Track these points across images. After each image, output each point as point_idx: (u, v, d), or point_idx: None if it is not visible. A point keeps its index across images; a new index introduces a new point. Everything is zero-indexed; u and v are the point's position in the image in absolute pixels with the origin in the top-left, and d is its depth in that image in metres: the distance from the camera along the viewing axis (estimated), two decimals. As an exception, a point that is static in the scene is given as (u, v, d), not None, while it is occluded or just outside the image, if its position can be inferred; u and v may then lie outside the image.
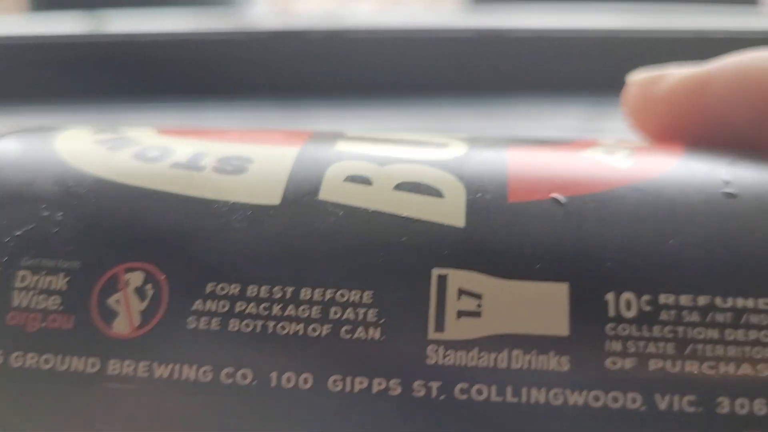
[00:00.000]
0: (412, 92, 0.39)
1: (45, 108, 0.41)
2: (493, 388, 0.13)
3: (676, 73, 0.17)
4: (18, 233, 0.14)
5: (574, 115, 0.37)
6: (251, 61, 0.41)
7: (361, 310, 0.13)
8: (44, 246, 0.14)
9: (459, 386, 0.13)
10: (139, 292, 0.14)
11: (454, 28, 0.40)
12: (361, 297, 0.13)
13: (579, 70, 0.38)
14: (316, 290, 0.13)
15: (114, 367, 0.13)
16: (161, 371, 0.13)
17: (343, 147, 0.16)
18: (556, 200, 0.14)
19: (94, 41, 0.44)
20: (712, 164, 0.15)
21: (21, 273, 0.14)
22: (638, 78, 0.17)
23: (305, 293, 0.13)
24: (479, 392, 0.13)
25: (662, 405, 0.12)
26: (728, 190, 0.14)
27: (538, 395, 0.13)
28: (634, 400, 0.12)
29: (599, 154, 0.15)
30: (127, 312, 0.14)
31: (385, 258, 0.13)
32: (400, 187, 0.14)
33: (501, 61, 0.39)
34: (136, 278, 0.14)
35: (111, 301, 0.14)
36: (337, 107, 0.39)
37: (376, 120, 0.39)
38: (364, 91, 0.39)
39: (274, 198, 0.14)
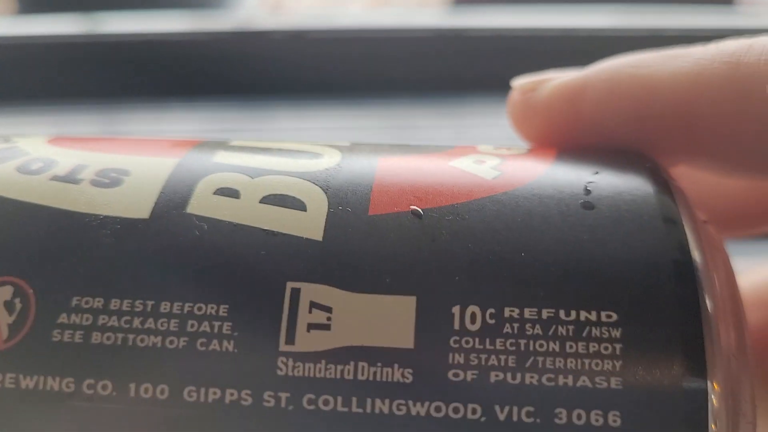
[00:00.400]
0: (374, 91, 0.39)
1: (33, 109, 0.42)
2: (339, 399, 0.13)
3: (555, 79, 0.17)
4: None
5: None
6: (244, 61, 0.41)
7: (216, 323, 0.13)
8: None
9: (307, 397, 0.13)
10: (8, 305, 0.14)
11: (434, 28, 0.41)
12: (217, 310, 0.14)
13: (537, 68, 0.38)
14: (176, 304, 0.14)
15: None
16: (27, 383, 0.14)
17: (221, 158, 0.16)
18: (415, 212, 0.14)
19: (83, 42, 0.44)
20: (576, 173, 0.15)
21: None
22: (520, 84, 0.18)
23: (164, 306, 0.14)
24: (326, 403, 0.13)
25: (501, 416, 0.13)
26: (588, 199, 0.14)
27: (382, 406, 0.13)
28: (474, 411, 0.13)
29: (468, 162, 0.16)
30: None
31: (242, 272, 0.14)
32: (266, 200, 0.15)
33: (481, 60, 0.40)
34: (4, 292, 0.14)
35: None
36: (300, 107, 0.39)
37: (356, 118, 0.39)
38: (327, 90, 0.39)
39: (143, 212, 0.15)
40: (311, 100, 0.39)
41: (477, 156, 0.16)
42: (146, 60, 0.41)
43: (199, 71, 0.41)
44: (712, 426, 0.13)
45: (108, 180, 0.15)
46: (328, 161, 0.16)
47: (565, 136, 0.16)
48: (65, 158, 0.16)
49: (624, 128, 0.16)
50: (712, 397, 0.13)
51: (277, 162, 0.16)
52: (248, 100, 0.40)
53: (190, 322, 0.14)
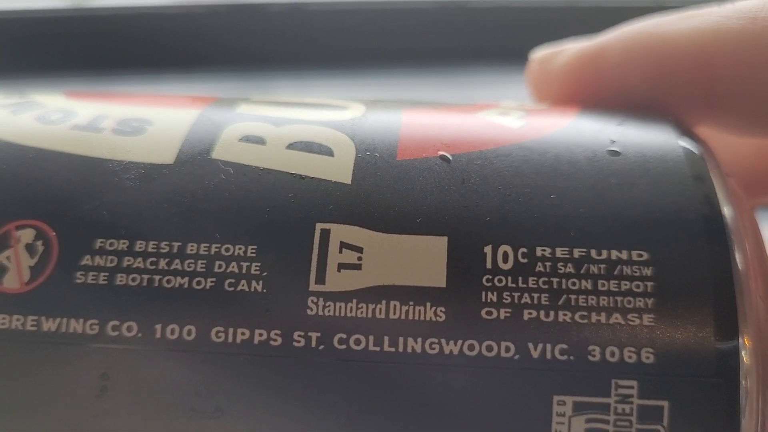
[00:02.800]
0: (376, 63, 0.39)
1: (25, 83, 0.41)
2: (371, 338, 0.13)
3: (572, 46, 0.17)
4: None
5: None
6: (242, 34, 0.41)
7: (245, 264, 0.13)
8: None
9: (338, 336, 0.13)
10: (30, 248, 0.14)
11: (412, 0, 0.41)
12: (245, 251, 0.13)
13: (539, 40, 0.38)
14: (202, 245, 0.13)
15: (2, 321, 0.13)
16: (49, 325, 0.13)
17: (243, 109, 0.16)
18: (443, 157, 0.14)
19: (69, 15, 0.43)
20: (601, 124, 0.15)
21: None
22: (538, 55, 0.18)
23: (191, 248, 0.13)
24: (357, 342, 0.13)
25: (535, 353, 0.13)
26: (613, 148, 0.14)
27: (414, 345, 0.13)
28: (507, 349, 0.13)
29: (493, 115, 0.16)
30: (17, 268, 0.14)
31: (270, 213, 0.14)
32: (293, 146, 0.15)
33: (463, 31, 0.40)
34: (27, 235, 0.14)
35: (1, 257, 0.14)
36: (301, 78, 0.39)
37: (357, 90, 0.39)
38: (328, 62, 0.39)
39: (168, 157, 0.15)
40: (311, 73, 0.39)
41: (501, 109, 0.16)
42: (144, 34, 0.41)
43: (197, 44, 0.41)
44: (743, 359, 0.13)
45: (130, 129, 0.15)
46: (352, 113, 0.16)
47: (586, 98, 0.17)
48: (85, 109, 0.16)
49: (644, 87, 0.16)
50: (744, 334, 0.13)
51: (301, 113, 0.16)
52: (247, 73, 0.40)
53: (217, 263, 0.13)
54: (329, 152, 0.14)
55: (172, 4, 0.42)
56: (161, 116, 0.16)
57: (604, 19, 0.38)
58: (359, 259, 0.13)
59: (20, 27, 0.43)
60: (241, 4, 0.41)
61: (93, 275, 0.13)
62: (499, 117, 0.15)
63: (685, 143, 0.15)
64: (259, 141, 0.15)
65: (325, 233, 0.13)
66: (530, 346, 0.13)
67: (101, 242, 0.14)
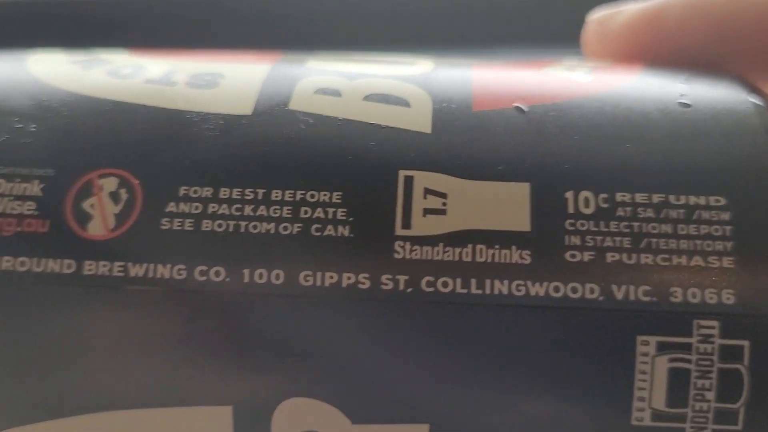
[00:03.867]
0: (403, 45, 0.39)
1: None
2: (458, 281, 0.13)
3: (632, 6, 0.17)
4: None
5: None
6: (248, 15, 0.41)
7: (331, 210, 0.13)
8: (17, 155, 0.14)
9: (425, 279, 0.13)
10: (113, 196, 0.14)
11: None
12: (330, 197, 0.14)
13: (568, 23, 0.39)
14: (287, 192, 0.14)
15: (89, 267, 0.14)
16: (136, 270, 0.14)
17: (313, 65, 0.16)
18: (518, 108, 0.14)
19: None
20: (668, 79, 0.15)
21: None
22: (597, 15, 0.18)
23: (276, 195, 0.14)
24: (445, 285, 0.13)
25: (619, 295, 0.13)
26: (683, 100, 0.15)
27: (501, 287, 0.13)
28: (592, 291, 0.13)
29: (560, 70, 0.16)
30: (101, 215, 0.14)
31: (353, 161, 0.14)
32: (369, 98, 0.15)
33: (493, 13, 0.40)
34: (110, 183, 0.14)
35: (86, 205, 0.14)
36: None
37: None
38: (352, 44, 0.39)
39: (245, 108, 0.15)
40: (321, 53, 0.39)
41: (566, 66, 0.16)
42: (149, 14, 0.41)
43: (205, 25, 0.41)
44: None
45: (203, 82, 0.15)
46: (422, 68, 0.16)
47: (646, 57, 0.17)
48: (153, 65, 0.16)
49: (707, 46, 0.16)
50: None
51: (371, 68, 0.16)
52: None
53: (303, 208, 0.14)
54: (406, 103, 0.15)
55: None
56: (232, 71, 0.16)
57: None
58: (444, 204, 0.13)
59: (26, 11, 0.42)
60: None
61: (179, 221, 0.14)
62: (567, 72, 0.16)
63: (753, 98, 0.15)
64: (335, 93, 0.15)
65: (409, 180, 0.14)
66: (614, 287, 0.13)
67: (185, 189, 0.14)
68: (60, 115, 0.15)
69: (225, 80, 0.15)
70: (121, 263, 0.14)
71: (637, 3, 0.18)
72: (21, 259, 0.14)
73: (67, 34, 0.42)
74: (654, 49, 0.17)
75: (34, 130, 0.15)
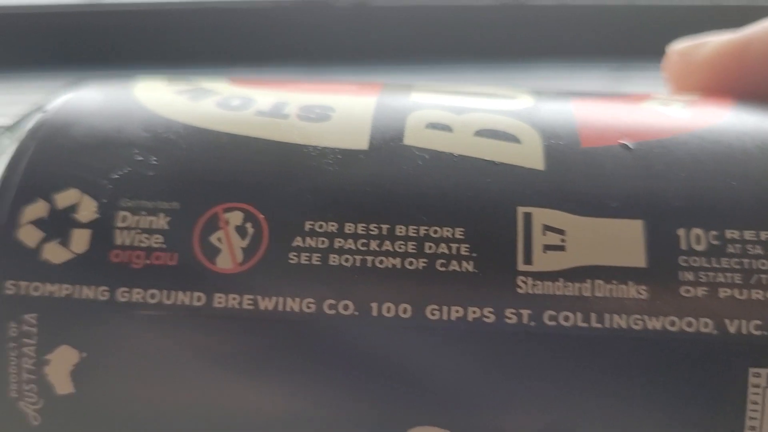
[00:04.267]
0: (435, 60, 0.40)
1: (41, 76, 0.41)
2: (579, 315, 0.14)
3: (716, 39, 0.18)
4: (114, 176, 0.15)
5: (595, 81, 0.39)
6: (307, 30, 0.41)
7: (454, 245, 0.14)
8: (142, 188, 0.15)
9: (548, 313, 0.14)
10: (240, 230, 0.14)
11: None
12: (453, 233, 0.14)
13: (599, 38, 0.39)
14: (411, 227, 0.14)
15: (219, 300, 0.14)
16: (266, 304, 0.14)
17: (417, 98, 0.17)
18: (624, 146, 0.15)
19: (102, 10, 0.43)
20: (761, 115, 0.16)
21: (121, 213, 0.15)
22: (679, 46, 0.19)
23: (400, 230, 0.14)
24: (566, 318, 0.14)
25: (732, 329, 0.14)
26: None
27: (620, 321, 0.14)
28: (706, 325, 0.14)
29: (657, 105, 0.16)
30: (229, 249, 0.14)
31: (472, 197, 0.14)
32: (480, 133, 0.15)
33: (523, 29, 0.40)
34: (235, 218, 0.14)
35: (213, 238, 0.14)
36: (361, 76, 0.39)
37: None
38: (389, 60, 0.40)
39: (361, 143, 0.15)
40: (375, 70, 0.40)
41: (660, 100, 0.17)
42: (211, 28, 0.41)
43: (263, 40, 0.41)
44: None
45: (314, 115, 0.16)
46: (523, 102, 0.16)
47: (732, 89, 0.18)
48: (261, 96, 0.17)
49: None
50: None
51: (474, 101, 0.16)
52: (310, 69, 0.40)
53: (427, 244, 0.14)
54: (516, 140, 0.15)
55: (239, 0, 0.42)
56: (341, 103, 0.16)
57: (667, 18, 0.40)
58: (562, 240, 0.14)
59: (39, 22, 0.43)
60: (306, 1, 0.41)
61: (306, 256, 0.14)
62: (664, 107, 0.16)
63: None
64: (446, 128, 0.15)
65: (528, 216, 0.14)
66: (727, 322, 0.14)
67: (310, 224, 0.14)
68: (178, 147, 0.15)
69: (335, 113, 0.16)
70: (251, 296, 0.14)
71: (719, 35, 0.18)
72: (151, 291, 0.14)
73: (71, 47, 0.42)
74: (739, 81, 0.18)
75: (155, 163, 0.15)
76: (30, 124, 0.16)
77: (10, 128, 0.17)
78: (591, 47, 0.39)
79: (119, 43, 0.41)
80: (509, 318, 0.14)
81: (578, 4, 0.40)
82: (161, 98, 0.17)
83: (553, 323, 0.14)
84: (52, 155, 0.15)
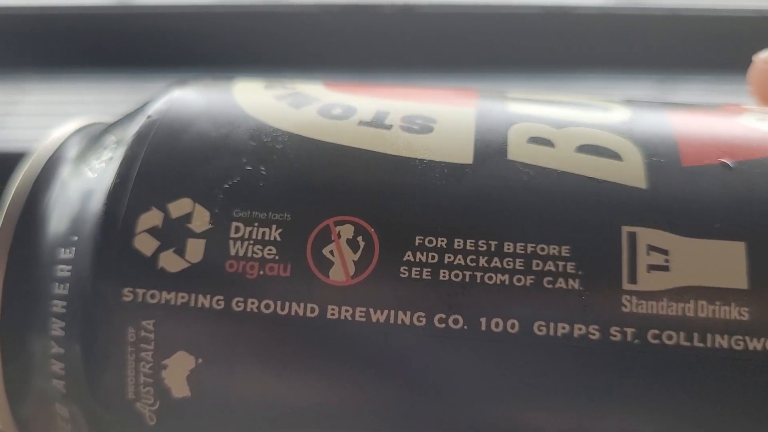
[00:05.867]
0: (479, 67, 0.40)
1: (64, 77, 0.41)
2: (682, 335, 0.14)
3: None
4: (225, 186, 0.15)
5: (640, 92, 0.39)
6: (352, 34, 0.41)
7: (561, 263, 0.14)
8: (253, 199, 0.15)
9: (651, 332, 0.14)
10: (351, 243, 0.15)
11: (522, 5, 0.41)
12: (559, 251, 0.15)
13: (644, 48, 0.39)
14: (518, 244, 0.15)
15: (332, 312, 0.15)
16: (377, 316, 0.15)
17: (514, 108, 0.17)
18: (724, 165, 0.15)
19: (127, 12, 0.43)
20: None
21: (234, 224, 0.15)
22: (765, 54, 0.19)
23: (508, 247, 0.15)
24: (669, 337, 0.14)
25: None
26: None
27: (721, 341, 0.14)
28: None
29: (753, 120, 0.17)
30: (341, 262, 0.15)
31: (577, 215, 0.15)
32: (582, 149, 0.16)
33: (568, 37, 0.40)
34: (346, 231, 0.15)
35: (325, 251, 0.15)
36: (406, 82, 0.40)
37: None
38: (434, 65, 0.40)
39: (466, 157, 0.16)
40: (420, 76, 0.40)
41: (756, 114, 0.17)
42: (257, 32, 0.41)
43: (310, 45, 0.41)
44: None
45: (417, 126, 0.16)
46: (619, 115, 0.17)
47: None
48: (361, 104, 0.17)
49: None
50: None
51: (572, 113, 0.17)
52: (356, 75, 0.40)
53: (534, 261, 0.15)
54: (617, 157, 0.16)
55: (286, 3, 0.42)
56: (441, 113, 0.17)
57: (710, 27, 0.39)
58: (666, 261, 0.14)
59: (68, 23, 0.43)
60: (352, 5, 0.41)
61: (416, 270, 0.15)
62: (759, 123, 0.17)
63: None
64: (548, 143, 0.16)
65: (632, 236, 0.15)
66: None
67: (420, 239, 0.15)
68: (286, 157, 0.16)
69: (437, 125, 0.16)
70: (363, 309, 0.15)
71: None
72: (266, 301, 0.15)
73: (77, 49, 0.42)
74: None
75: (264, 173, 0.15)
76: (136, 129, 0.17)
77: (114, 130, 0.17)
78: (637, 57, 0.39)
79: (181, 46, 0.41)
80: (614, 336, 0.14)
81: (624, 14, 0.40)
82: (263, 104, 0.17)
83: (656, 342, 0.14)
84: (163, 163, 0.16)
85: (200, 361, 0.15)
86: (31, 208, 0.16)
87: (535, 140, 0.16)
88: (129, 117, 0.18)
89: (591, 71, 0.40)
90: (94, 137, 0.18)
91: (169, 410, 0.15)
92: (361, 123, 0.16)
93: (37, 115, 0.39)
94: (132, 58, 0.42)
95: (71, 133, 0.18)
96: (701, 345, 0.14)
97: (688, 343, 0.14)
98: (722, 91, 0.37)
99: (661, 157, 0.16)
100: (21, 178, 0.17)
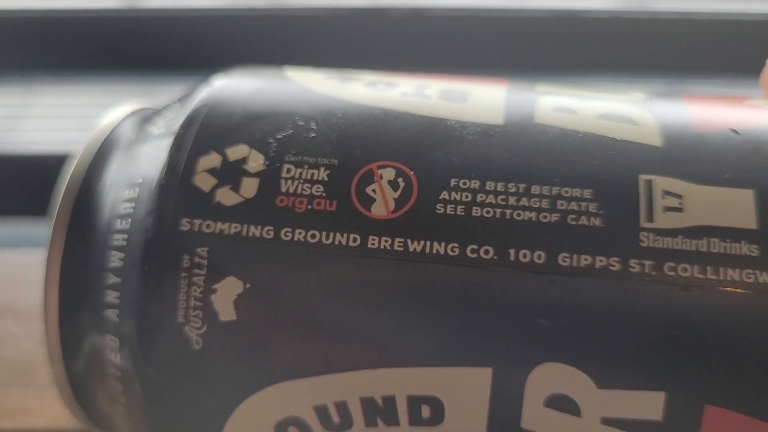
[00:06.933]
0: (488, 71, 0.41)
1: (77, 80, 0.43)
2: (696, 267, 0.15)
3: None
4: (279, 137, 0.17)
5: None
6: (361, 38, 0.42)
7: (583, 203, 0.16)
8: (304, 147, 0.17)
9: (667, 264, 0.15)
10: (392, 183, 0.16)
11: (552, 9, 0.42)
12: (582, 193, 0.16)
13: (654, 51, 0.40)
14: (545, 187, 0.16)
15: (373, 241, 0.16)
16: (414, 246, 0.16)
17: (542, 90, 0.19)
18: (734, 131, 0.17)
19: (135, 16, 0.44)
20: None
21: (286, 166, 0.17)
22: None
23: (535, 189, 0.16)
24: (684, 270, 0.15)
25: None
26: None
27: (733, 274, 0.15)
28: None
29: (759, 104, 0.18)
30: (383, 198, 0.16)
31: (599, 165, 0.16)
32: (602, 117, 0.17)
33: (576, 40, 0.41)
34: (388, 173, 0.16)
35: (368, 189, 0.16)
36: None
37: None
38: (443, 70, 0.41)
39: (497, 119, 0.17)
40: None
41: (760, 102, 0.19)
42: (266, 35, 0.42)
43: (318, 48, 0.42)
44: None
45: (453, 98, 0.18)
46: (637, 96, 0.18)
47: None
48: (403, 82, 0.19)
49: None
50: None
51: (593, 94, 0.18)
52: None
53: (559, 201, 0.16)
54: (633, 122, 0.17)
55: (295, 6, 0.43)
56: (474, 90, 0.18)
57: (720, 31, 0.40)
58: (680, 204, 0.16)
59: (80, 26, 0.44)
60: (361, 9, 0.42)
61: (451, 207, 0.16)
62: (764, 105, 0.18)
63: None
64: (572, 112, 0.18)
65: (648, 183, 0.16)
66: None
67: (455, 181, 0.16)
68: (335, 116, 0.17)
69: (471, 97, 0.18)
70: (401, 239, 0.16)
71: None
72: (312, 231, 0.16)
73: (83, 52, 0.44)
74: None
75: (314, 127, 0.17)
76: (198, 93, 0.18)
77: (169, 109, 0.19)
78: (646, 60, 0.40)
79: (191, 49, 0.42)
80: (633, 267, 0.15)
81: (633, 17, 0.41)
82: (314, 79, 0.19)
83: (672, 273, 0.15)
84: (223, 117, 0.18)
85: (248, 286, 0.16)
86: (98, 160, 0.18)
87: (560, 110, 0.18)
88: (183, 99, 0.20)
89: (600, 74, 0.40)
90: (148, 118, 0.20)
91: (215, 334, 0.16)
92: (404, 94, 0.18)
93: (50, 118, 0.40)
94: (144, 60, 0.43)
95: (127, 115, 0.20)
96: (713, 278, 0.15)
97: (700, 276, 0.15)
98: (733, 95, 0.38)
99: (676, 125, 0.17)
100: (88, 141, 0.19)
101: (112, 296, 0.17)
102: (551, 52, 0.41)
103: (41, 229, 0.19)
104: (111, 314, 0.17)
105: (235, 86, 0.19)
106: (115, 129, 0.19)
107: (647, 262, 0.15)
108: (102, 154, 0.19)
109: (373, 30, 0.42)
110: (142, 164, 0.18)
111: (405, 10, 0.41)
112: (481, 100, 0.18)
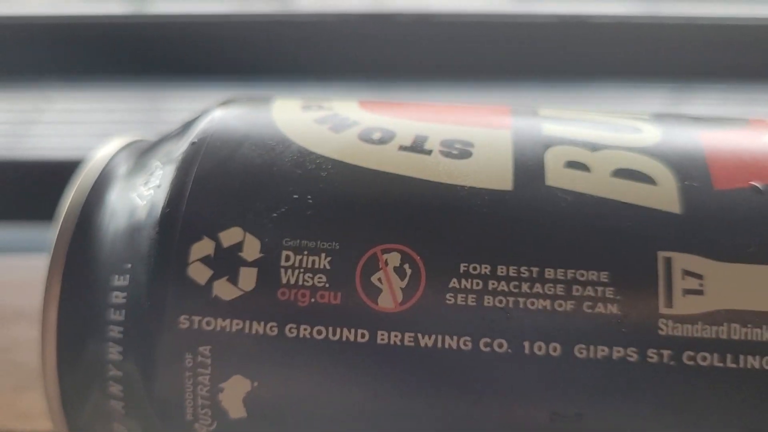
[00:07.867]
0: (495, 76, 0.40)
1: (89, 85, 0.42)
2: (716, 356, 0.15)
3: None
4: (274, 215, 0.16)
5: (654, 101, 0.39)
6: (368, 43, 0.42)
7: (600, 288, 0.15)
8: (302, 228, 0.16)
9: (687, 353, 0.15)
10: (398, 271, 0.15)
11: (537, 14, 0.41)
12: (598, 276, 0.15)
13: (661, 56, 0.40)
14: (559, 270, 0.15)
15: (382, 337, 0.15)
16: (425, 341, 0.15)
17: (549, 129, 0.17)
18: (755, 188, 0.16)
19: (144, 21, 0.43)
20: None
21: (285, 253, 0.16)
22: None
23: (549, 273, 0.15)
24: (703, 359, 0.15)
25: None
26: None
27: (753, 362, 0.15)
28: None
29: None
30: (389, 289, 0.15)
31: (615, 241, 0.15)
32: (617, 174, 0.16)
33: (583, 45, 0.40)
34: (393, 259, 0.16)
35: (374, 278, 0.15)
36: (422, 90, 0.40)
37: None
38: (448, 75, 0.40)
39: (505, 183, 0.16)
40: (435, 86, 0.40)
41: None
42: (274, 41, 0.41)
43: (326, 53, 0.41)
44: None
45: (456, 151, 0.17)
46: (650, 135, 0.17)
47: None
48: (400, 128, 0.17)
49: None
50: None
51: (605, 135, 0.17)
52: (372, 84, 0.41)
53: (575, 287, 0.15)
54: (651, 181, 0.16)
55: (304, 12, 0.42)
56: (479, 137, 0.17)
57: (726, 36, 0.39)
58: (700, 285, 0.15)
59: (83, 32, 0.43)
60: (368, 14, 0.41)
61: (462, 297, 0.15)
62: None
63: None
64: (584, 168, 0.16)
65: (668, 261, 0.15)
66: None
67: (465, 266, 0.15)
68: (331, 185, 0.16)
69: (476, 149, 0.17)
70: (412, 334, 0.15)
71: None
72: (318, 327, 0.15)
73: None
74: None
75: (311, 201, 0.16)
76: (181, 155, 0.17)
77: (157, 153, 0.18)
78: (652, 65, 0.40)
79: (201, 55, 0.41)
80: (651, 357, 0.15)
81: (640, 22, 0.40)
82: (303, 128, 0.17)
83: (691, 363, 0.15)
84: (211, 192, 0.16)
85: (256, 384, 0.16)
86: (83, 231, 0.17)
87: (572, 165, 0.16)
88: (171, 138, 0.18)
89: (606, 79, 0.40)
90: (139, 157, 0.18)
91: (226, 430, 0.16)
92: (402, 148, 0.17)
93: (62, 123, 0.40)
94: (155, 66, 0.43)
95: (117, 151, 0.19)
96: (734, 366, 0.15)
97: (721, 364, 0.15)
98: (739, 99, 0.37)
99: (694, 181, 0.16)
100: (70, 200, 0.17)
101: (116, 388, 0.16)
102: (558, 57, 0.40)
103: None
104: (117, 405, 0.16)
105: (219, 142, 0.17)
106: (106, 168, 0.18)
107: (666, 352, 0.15)
108: (91, 206, 0.17)
109: (381, 35, 0.41)
110: (129, 240, 0.17)
111: (412, 16, 0.40)
112: (486, 155, 0.17)
